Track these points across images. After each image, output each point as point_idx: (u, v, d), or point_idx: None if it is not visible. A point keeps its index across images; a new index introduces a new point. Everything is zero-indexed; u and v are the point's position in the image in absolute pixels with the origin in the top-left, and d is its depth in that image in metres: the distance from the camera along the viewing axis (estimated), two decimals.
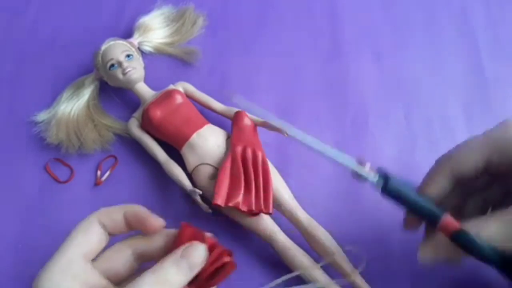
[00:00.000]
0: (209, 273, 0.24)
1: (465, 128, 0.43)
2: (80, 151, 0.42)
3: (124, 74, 0.41)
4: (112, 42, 0.43)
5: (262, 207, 0.36)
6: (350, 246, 0.29)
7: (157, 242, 0.26)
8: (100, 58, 0.43)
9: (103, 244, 0.26)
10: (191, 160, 0.39)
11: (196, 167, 0.38)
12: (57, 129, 0.42)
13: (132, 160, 0.42)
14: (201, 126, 0.40)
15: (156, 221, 0.26)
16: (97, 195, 0.41)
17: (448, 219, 0.27)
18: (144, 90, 0.42)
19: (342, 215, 0.40)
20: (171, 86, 0.43)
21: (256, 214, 0.36)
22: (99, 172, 0.42)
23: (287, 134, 0.39)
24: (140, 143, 0.41)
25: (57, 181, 0.42)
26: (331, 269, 0.36)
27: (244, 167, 0.37)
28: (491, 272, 0.37)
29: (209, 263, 0.24)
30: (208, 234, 0.25)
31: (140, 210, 0.26)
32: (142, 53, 0.46)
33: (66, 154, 0.42)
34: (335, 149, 0.30)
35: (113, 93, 0.45)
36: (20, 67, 0.47)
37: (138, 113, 0.42)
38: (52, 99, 0.45)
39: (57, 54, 0.48)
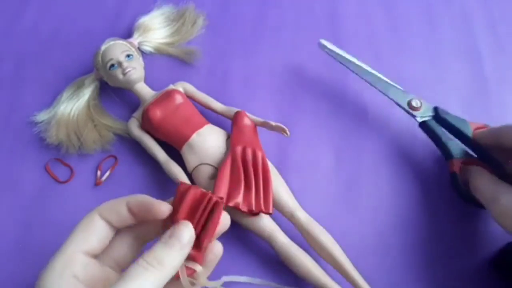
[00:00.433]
0: (202, 225, 0.24)
1: None
2: (80, 151, 0.42)
3: (124, 74, 0.41)
4: (112, 42, 0.43)
5: (262, 207, 0.36)
6: None
7: (156, 222, 0.26)
8: (100, 58, 0.43)
9: (108, 239, 0.26)
10: (191, 160, 0.39)
11: (196, 167, 0.38)
12: (57, 129, 0.42)
13: (132, 160, 0.42)
14: (201, 126, 0.40)
15: (162, 206, 0.25)
16: (97, 195, 0.41)
17: (453, 161, 0.38)
18: (144, 90, 0.42)
19: (342, 215, 0.40)
20: (171, 86, 0.43)
21: (256, 214, 0.36)
22: (99, 172, 0.42)
23: (287, 134, 0.39)
24: (140, 143, 0.41)
25: (57, 181, 0.42)
26: (331, 269, 0.36)
27: (244, 167, 0.37)
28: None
29: (200, 214, 0.24)
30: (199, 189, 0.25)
31: (143, 198, 0.25)
32: (142, 53, 0.46)
33: (66, 154, 0.42)
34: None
35: (113, 93, 0.45)
36: (20, 67, 0.47)
37: (138, 113, 0.42)
38: (52, 99, 0.45)
39: (57, 54, 0.48)
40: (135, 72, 0.42)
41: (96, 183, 0.41)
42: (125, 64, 0.41)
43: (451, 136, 0.39)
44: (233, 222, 0.38)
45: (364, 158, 0.42)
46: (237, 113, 0.41)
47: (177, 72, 0.46)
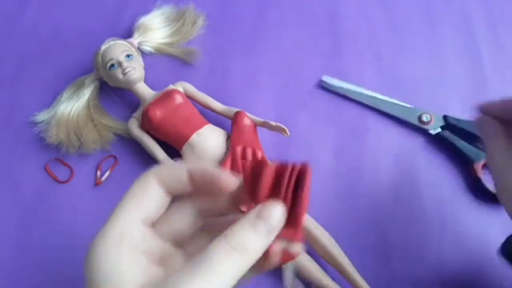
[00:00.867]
0: (291, 199, 0.21)
1: None
2: (80, 151, 0.42)
3: (124, 74, 0.41)
4: (112, 42, 0.43)
5: None
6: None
7: (221, 195, 0.23)
8: (100, 58, 0.43)
9: (164, 207, 0.23)
10: (191, 160, 0.39)
11: None
12: (57, 129, 0.42)
13: (132, 160, 0.42)
14: (201, 126, 0.40)
15: (230, 178, 0.22)
16: (97, 195, 0.41)
17: (474, 166, 0.39)
18: (144, 90, 0.42)
19: (342, 214, 0.40)
20: (171, 86, 0.43)
21: None
22: (99, 172, 0.42)
23: (287, 134, 0.39)
24: (140, 143, 0.41)
25: (57, 181, 0.42)
26: (332, 269, 0.36)
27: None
28: (491, 277, 0.37)
29: (285, 188, 0.21)
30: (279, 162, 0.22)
31: (210, 169, 0.22)
32: (142, 53, 0.46)
33: (66, 154, 0.42)
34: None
35: (113, 93, 0.45)
36: (20, 67, 0.47)
37: (138, 113, 0.42)
38: (52, 99, 0.45)
39: (57, 54, 0.48)
40: (135, 72, 0.42)
41: (96, 183, 0.41)
42: (125, 64, 0.41)
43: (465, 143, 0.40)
44: None
45: (364, 158, 0.42)
46: (237, 113, 0.41)
47: (177, 72, 0.46)
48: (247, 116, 0.40)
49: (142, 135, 0.41)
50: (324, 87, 0.45)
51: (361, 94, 0.44)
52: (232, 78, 0.46)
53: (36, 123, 0.43)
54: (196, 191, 0.23)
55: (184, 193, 0.23)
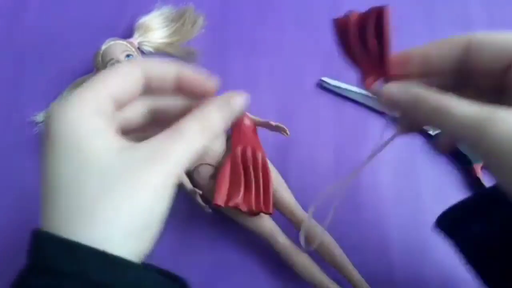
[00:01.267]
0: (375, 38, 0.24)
1: None
2: None
3: None
4: (112, 42, 0.43)
5: (262, 207, 0.36)
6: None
7: (176, 101, 0.25)
8: (100, 58, 0.42)
9: (135, 96, 0.23)
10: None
11: (196, 167, 0.38)
12: None
13: None
14: None
15: (212, 84, 0.24)
16: None
17: (474, 167, 0.38)
18: None
19: (342, 214, 0.40)
20: None
21: (256, 214, 0.36)
22: None
23: (287, 134, 0.39)
24: None
25: None
26: (332, 269, 0.36)
27: (244, 167, 0.37)
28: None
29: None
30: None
31: (199, 76, 0.24)
32: (142, 53, 0.46)
33: None
34: None
35: None
36: (20, 67, 0.47)
37: None
38: (52, 99, 0.45)
39: (57, 54, 0.48)
40: None
41: None
42: None
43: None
44: (233, 222, 0.38)
45: (364, 158, 0.42)
46: None
47: None
48: (247, 116, 0.40)
49: None
50: (324, 87, 0.45)
51: (361, 94, 0.44)
52: (232, 78, 0.46)
53: (37, 123, 0.44)
54: (176, 92, 0.24)
55: (163, 92, 0.24)
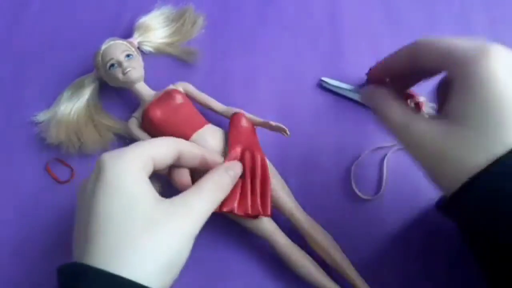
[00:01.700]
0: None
1: None
2: (81, 151, 0.42)
3: (124, 74, 0.41)
4: (112, 42, 0.43)
5: (260, 210, 0.35)
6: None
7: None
8: (100, 58, 0.42)
9: (168, 164, 0.31)
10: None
11: (196, 168, 0.38)
12: (57, 130, 0.42)
13: None
14: (201, 126, 0.40)
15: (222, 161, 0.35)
16: None
17: None
18: (144, 90, 0.42)
19: (341, 214, 0.40)
20: (171, 86, 0.43)
21: (254, 217, 0.36)
22: None
23: (287, 134, 0.39)
24: None
25: (57, 181, 0.42)
26: (332, 270, 0.36)
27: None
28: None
29: None
30: None
31: (216, 160, 0.34)
32: (142, 53, 0.46)
33: (67, 154, 0.42)
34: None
35: (113, 93, 0.45)
36: (20, 67, 0.47)
37: (138, 113, 0.42)
38: (52, 99, 0.45)
39: (57, 54, 0.48)
40: (135, 72, 0.42)
41: None
42: (125, 64, 0.41)
43: None
44: (233, 222, 0.38)
45: (364, 158, 0.42)
46: (234, 115, 0.40)
47: (177, 72, 0.46)
48: (245, 117, 0.40)
49: (142, 135, 0.41)
50: (324, 87, 0.45)
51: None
52: (232, 78, 0.46)
53: (36, 123, 0.44)
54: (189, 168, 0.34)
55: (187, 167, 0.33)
